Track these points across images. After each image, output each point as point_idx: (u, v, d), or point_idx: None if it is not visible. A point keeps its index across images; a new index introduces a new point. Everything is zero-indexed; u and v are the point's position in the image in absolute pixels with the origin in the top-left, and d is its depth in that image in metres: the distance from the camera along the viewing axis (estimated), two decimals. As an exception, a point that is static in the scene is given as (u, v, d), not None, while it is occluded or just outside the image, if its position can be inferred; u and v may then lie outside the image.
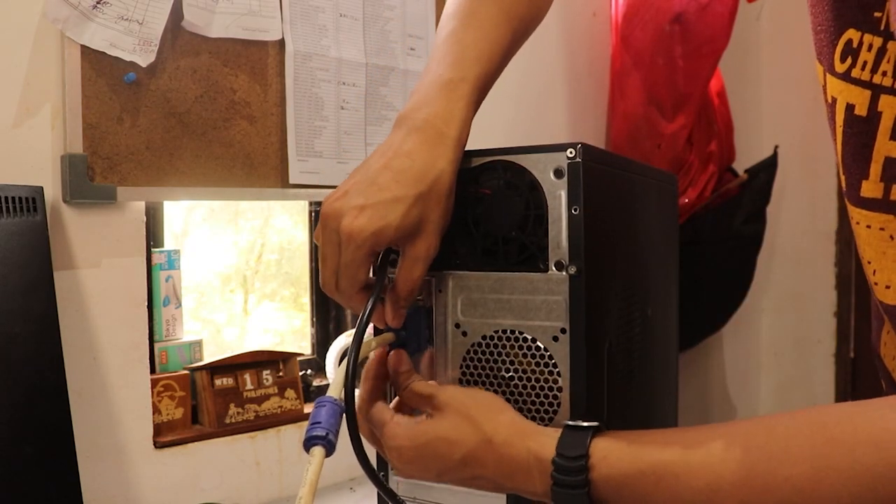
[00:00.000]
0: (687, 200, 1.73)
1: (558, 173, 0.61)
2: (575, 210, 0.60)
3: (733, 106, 1.84)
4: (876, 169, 0.56)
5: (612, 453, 0.53)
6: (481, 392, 0.61)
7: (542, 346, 0.62)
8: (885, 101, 0.54)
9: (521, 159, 0.63)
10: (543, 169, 0.62)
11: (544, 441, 0.56)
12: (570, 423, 0.56)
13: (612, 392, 0.66)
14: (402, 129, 0.63)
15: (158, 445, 1.02)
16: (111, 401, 0.97)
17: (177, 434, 1.05)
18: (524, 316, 0.63)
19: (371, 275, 0.63)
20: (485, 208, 0.64)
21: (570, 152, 0.61)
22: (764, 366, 2.23)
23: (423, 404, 0.61)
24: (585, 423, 0.55)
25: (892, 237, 0.56)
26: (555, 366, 0.62)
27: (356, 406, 0.59)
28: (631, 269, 0.73)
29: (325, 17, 1.15)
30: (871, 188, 0.56)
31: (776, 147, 1.87)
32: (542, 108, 1.58)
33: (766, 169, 1.86)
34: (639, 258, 0.76)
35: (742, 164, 1.87)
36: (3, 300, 0.81)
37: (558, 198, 0.61)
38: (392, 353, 0.64)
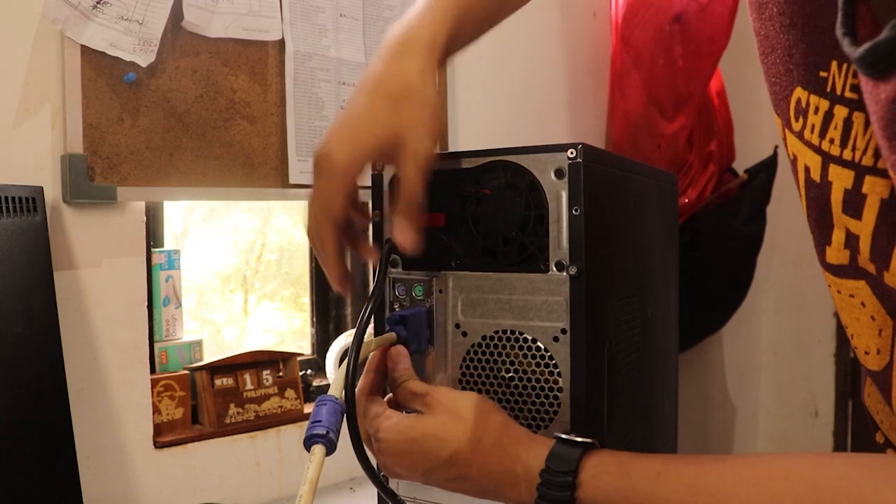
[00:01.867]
0: (687, 200, 1.73)
1: (559, 173, 0.61)
2: (576, 210, 0.60)
3: (733, 106, 1.84)
4: (839, 235, 0.52)
5: (601, 474, 0.52)
6: (475, 394, 0.60)
7: (542, 347, 0.62)
8: (833, 172, 0.49)
9: (522, 159, 0.63)
10: (544, 169, 0.62)
11: (535, 450, 0.55)
12: (564, 436, 0.55)
13: (613, 392, 0.66)
14: (378, 53, 0.64)
15: (158, 445, 1.02)
16: (111, 401, 0.97)
17: (177, 434, 1.05)
18: (524, 316, 0.63)
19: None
20: (485, 208, 0.64)
21: (571, 152, 0.61)
22: (764, 366, 2.23)
23: (416, 402, 0.60)
24: (579, 439, 0.55)
25: (862, 304, 0.53)
26: (555, 366, 0.62)
27: (356, 393, 0.59)
28: (631, 269, 0.73)
29: (325, 17, 1.15)
30: (835, 254, 0.53)
31: (776, 147, 1.86)
32: (542, 108, 1.58)
33: (766, 169, 1.86)
34: (639, 258, 0.76)
35: (742, 164, 1.87)
36: (3, 300, 0.81)
37: (559, 198, 0.61)
38: (392, 349, 0.64)
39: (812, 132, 0.50)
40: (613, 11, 1.69)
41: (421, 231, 0.62)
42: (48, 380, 0.84)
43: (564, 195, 0.61)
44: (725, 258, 1.87)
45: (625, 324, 0.70)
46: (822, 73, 0.48)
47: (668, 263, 0.86)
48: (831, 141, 0.49)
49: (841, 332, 2.21)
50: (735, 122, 1.84)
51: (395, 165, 0.61)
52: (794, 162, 0.54)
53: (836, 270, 0.54)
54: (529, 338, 0.63)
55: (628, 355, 0.71)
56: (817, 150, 0.50)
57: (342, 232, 0.61)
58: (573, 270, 0.61)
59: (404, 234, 0.61)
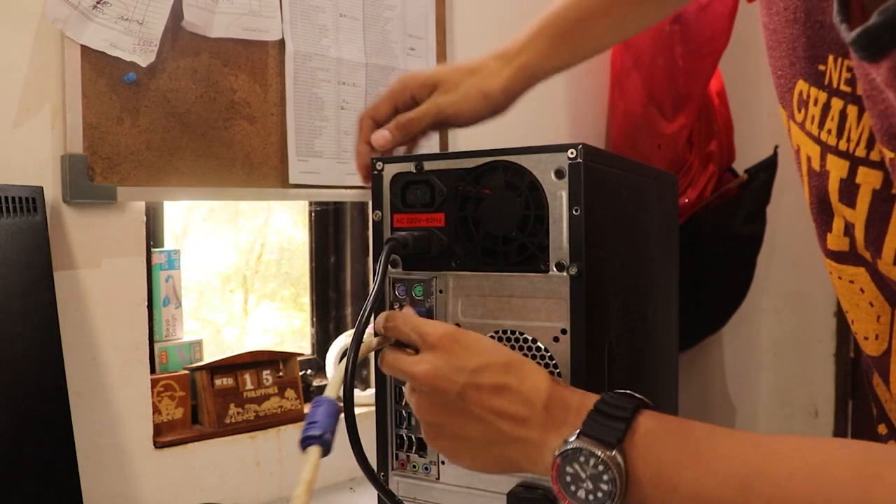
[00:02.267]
0: (687, 200, 1.73)
1: (559, 174, 0.61)
2: (576, 210, 0.60)
3: (733, 106, 1.84)
4: (839, 224, 0.54)
5: (657, 416, 0.50)
6: None
7: (542, 347, 0.62)
8: (831, 161, 0.52)
9: (522, 159, 0.63)
10: (544, 169, 0.62)
11: (587, 393, 0.53)
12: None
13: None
14: None
15: (158, 445, 1.02)
16: (111, 401, 0.97)
17: (177, 434, 1.05)
18: (525, 316, 0.63)
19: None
20: (485, 208, 0.64)
21: (571, 153, 0.61)
22: (764, 366, 2.23)
23: (429, 334, 0.56)
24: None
25: (861, 290, 0.55)
26: (555, 366, 0.62)
27: (384, 314, 0.59)
28: (631, 269, 0.73)
29: (325, 17, 1.15)
30: (835, 241, 0.55)
31: (776, 147, 1.86)
32: (542, 108, 1.58)
33: (766, 169, 1.86)
34: (639, 258, 0.76)
35: (742, 164, 1.87)
36: (3, 300, 0.81)
37: (559, 198, 0.61)
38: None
39: (812, 123, 0.52)
40: (613, 11, 1.69)
41: (390, 142, 0.76)
42: (48, 380, 0.84)
43: (564, 195, 0.61)
44: (725, 258, 1.87)
45: (625, 324, 0.70)
46: (821, 67, 0.51)
47: (668, 263, 0.86)
48: (829, 132, 0.51)
49: (841, 332, 2.21)
50: (735, 122, 1.84)
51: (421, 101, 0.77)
52: (797, 152, 0.56)
53: (837, 257, 0.55)
54: (529, 338, 0.63)
55: (628, 355, 0.71)
56: (817, 140, 0.52)
57: (376, 126, 0.77)
58: (573, 270, 0.61)
59: (379, 137, 0.76)
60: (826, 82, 0.51)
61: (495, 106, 0.78)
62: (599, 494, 0.48)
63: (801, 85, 0.53)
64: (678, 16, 1.62)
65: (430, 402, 0.55)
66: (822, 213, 0.55)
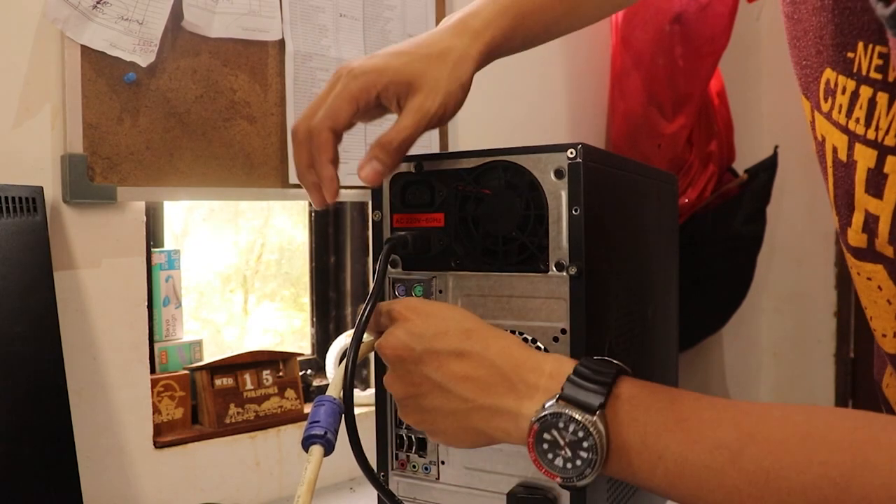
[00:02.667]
0: (687, 200, 1.73)
1: (559, 173, 0.61)
2: (575, 210, 0.60)
3: (733, 106, 1.84)
4: (858, 218, 0.53)
5: (639, 382, 0.49)
6: None
7: (542, 347, 0.62)
8: (858, 151, 0.51)
9: (522, 159, 0.63)
10: (544, 169, 0.62)
11: (562, 358, 0.51)
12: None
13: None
14: None
15: (158, 445, 1.02)
16: (111, 401, 0.97)
17: (177, 434, 1.05)
18: (524, 316, 0.63)
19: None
20: (485, 208, 0.64)
21: (571, 152, 0.61)
22: (764, 366, 2.23)
23: (404, 310, 0.57)
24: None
25: (879, 287, 0.54)
26: (555, 366, 0.62)
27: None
28: (631, 269, 0.73)
29: (325, 17, 1.15)
30: (855, 237, 0.54)
31: (776, 147, 1.87)
32: (542, 108, 1.58)
33: (766, 169, 1.86)
34: (639, 258, 0.76)
35: (742, 164, 1.87)
36: (3, 300, 0.81)
37: (559, 198, 0.61)
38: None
39: (839, 112, 0.52)
40: (613, 11, 1.69)
41: (386, 173, 0.62)
42: (48, 380, 0.84)
43: (564, 195, 0.61)
44: (725, 258, 1.87)
45: (625, 324, 0.70)
46: (850, 54, 0.50)
47: (668, 263, 0.86)
48: (857, 120, 0.50)
49: (841, 332, 2.21)
50: (735, 122, 1.84)
51: (398, 108, 0.62)
52: (822, 143, 0.55)
53: (856, 252, 0.55)
54: (529, 338, 0.63)
55: (628, 355, 0.71)
56: (844, 129, 0.52)
57: (337, 142, 0.61)
58: (573, 270, 0.61)
59: (371, 172, 0.61)
60: (855, 70, 0.50)
61: (467, 94, 0.66)
62: (578, 462, 0.47)
63: (829, 73, 0.52)
64: (678, 16, 1.62)
65: (396, 375, 0.55)
66: (845, 207, 0.54)
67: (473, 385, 0.51)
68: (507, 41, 0.67)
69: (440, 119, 0.63)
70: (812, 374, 2.25)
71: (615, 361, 0.50)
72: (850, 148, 0.51)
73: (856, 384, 2.21)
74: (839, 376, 2.23)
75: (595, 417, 0.46)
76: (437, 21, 1.32)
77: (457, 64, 0.63)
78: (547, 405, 0.48)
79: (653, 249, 0.81)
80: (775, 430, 0.43)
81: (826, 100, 0.53)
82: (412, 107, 0.60)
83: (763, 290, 2.15)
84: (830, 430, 0.42)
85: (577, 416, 0.46)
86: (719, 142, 1.78)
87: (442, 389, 0.52)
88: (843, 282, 2.22)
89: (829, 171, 0.55)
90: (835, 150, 0.53)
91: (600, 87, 1.71)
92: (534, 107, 1.55)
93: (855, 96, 0.50)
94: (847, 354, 2.20)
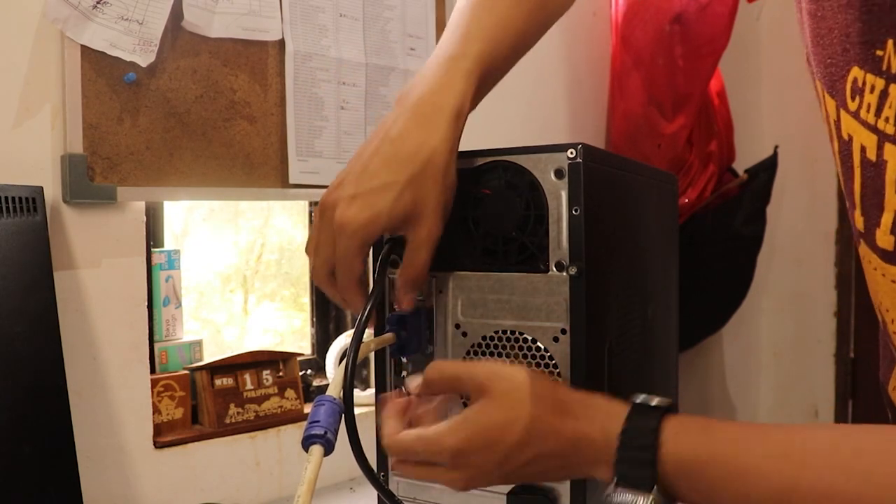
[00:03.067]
0: (687, 200, 1.73)
1: (559, 173, 0.61)
2: (576, 210, 0.60)
3: (733, 106, 1.84)
4: (887, 219, 0.52)
5: (683, 435, 0.50)
6: (517, 366, 0.58)
7: (542, 347, 0.62)
8: (889, 150, 0.50)
9: (522, 159, 0.63)
10: (544, 169, 0.62)
11: (610, 411, 0.52)
12: (640, 399, 0.52)
13: (613, 392, 0.66)
14: (396, 109, 0.62)
15: (158, 445, 1.02)
16: (111, 401, 0.97)
17: (177, 434, 1.05)
18: (524, 316, 0.63)
19: (371, 274, 0.63)
20: (485, 208, 0.64)
21: (571, 152, 0.61)
22: (764, 366, 2.23)
23: (457, 385, 0.56)
24: (657, 400, 0.52)
25: None
26: (555, 366, 0.62)
27: (385, 444, 0.55)
28: (631, 269, 0.73)
29: (325, 17, 1.15)
30: (883, 238, 0.53)
31: (776, 147, 1.87)
32: (542, 108, 1.58)
33: (766, 169, 1.86)
34: (639, 258, 0.76)
35: (742, 164, 1.87)
36: (3, 300, 0.81)
37: (559, 198, 0.61)
38: (408, 380, 0.60)
39: (868, 111, 0.51)
40: (613, 11, 1.69)
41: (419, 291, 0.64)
42: (48, 380, 0.84)
43: (564, 195, 0.61)
44: (725, 258, 1.87)
45: (625, 324, 0.70)
46: (879, 52, 0.49)
47: (668, 263, 0.86)
48: (886, 120, 0.50)
49: (841, 332, 2.21)
50: (735, 122, 1.84)
51: (405, 236, 0.61)
52: (848, 143, 0.54)
53: (885, 255, 0.54)
54: (529, 338, 0.63)
55: (628, 355, 0.71)
56: (873, 129, 0.51)
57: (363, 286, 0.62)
58: (573, 270, 0.61)
59: (402, 304, 0.63)
60: (884, 68, 0.49)
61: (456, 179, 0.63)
62: None
63: (856, 72, 0.51)
64: (678, 15, 1.62)
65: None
66: (874, 207, 0.53)
67: (552, 473, 0.54)
68: (476, 100, 0.65)
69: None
70: (812, 374, 2.25)
71: (655, 403, 0.51)
72: (880, 148, 0.51)
73: (856, 384, 2.21)
74: (839, 376, 2.23)
75: (653, 491, 0.49)
76: (438, 21, 1.32)
77: (445, 171, 0.60)
78: (608, 494, 0.51)
79: (653, 249, 0.81)
80: (825, 475, 0.45)
81: (853, 98, 0.52)
82: (420, 240, 0.60)
83: (763, 290, 2.15)
84: (877, 468, 0.43)
85: (639, 499, 0.50)
86: (719, 142, 1.78)
87: (530, 476, 0.55)
88: (843, 282, 2.22)
89: (857, 170, 0.54)
90: (863, 150, 0.53)
91: (600, 87, 1.71)
92: (534, 107, 1.55)
93: (884, 95, 0.49)
94: (847, 354, 2.21)
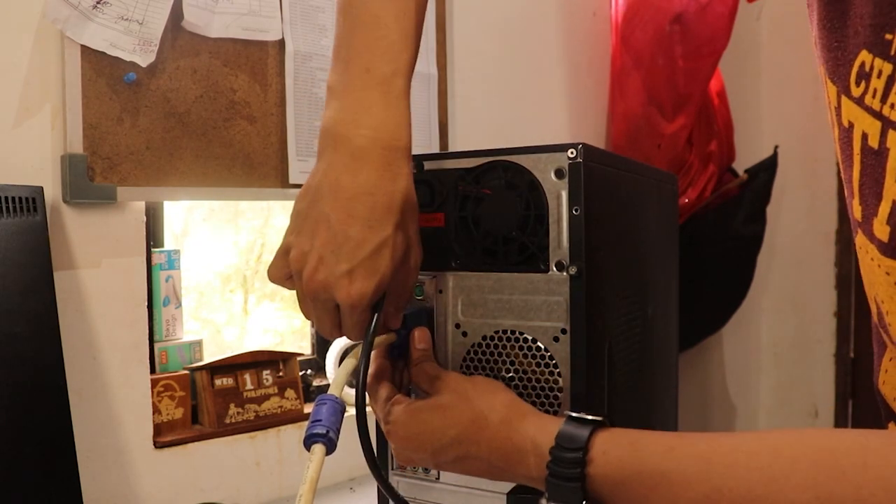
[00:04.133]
0: (687, 200, 1.73)
1: (559, 173, 0.61)
2: (576, 210, 0.60)
3: (733, 106, 1.84)
4: (885, 208, 0.51)
5: (612, 451, 0.52)
6: (482, 376, 0.63)
7: (542, 347, 0.62)
8: (892, 138, 0.49)
9: (522, 159, 0.63)
10: (544, 169, 0.62)
11: (544, 427, 0.55)
12: (574, 413, 0.54)
13: (613, 392, 0.66)
14: (342, 154, 0.57)
15: (158, 445, 1.02)
16: (111, 401, 0.97)
17: (177, 434, 1.05)
18: (524, 316, 0.63)
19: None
20: (485, 208, 0.64)
21: (571, 152, 0.61)
22: (764, 366, 2.23)
23: (427, 384, 0.62)
24: (589, 416, 0.54)
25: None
26: (555, 366, 0.62)
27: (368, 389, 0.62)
28: (631, 269, 0.73)
29: (325, 17, 1.15)
30: (880, 228, 0.52)
31: (776, 147, 1.87)
32: (542, 108, 1.58)
33: (766, 169, 1.86)
34: (639, 258, 0.76)
35: (742, 164, 1.87)
36: (3, 300, 0.81)
37: (559, 198, 0.61)
38: (417, 329, 0.65)
39: (874, 97, 0.50)
40: (613, 11, 1.69)
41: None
42: (48, 380, 0.84)
43: (564, 195, 0.61)
44: (725, 258, 1.87)
45: (625, 324, 0.70)
46: (888, 36, 0.48)
47: (668, 263, 0.86)
48: (892, 106, 0.49)
49: (841, 332, 2.21)
50: (735, 122, 1.84)
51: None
52: (848, 130, 0.54)
53: (882, 247, 0.53)
54: (529, 338, 0.63)
55: (628, 355, 0.71)
56: (877, 115, 0.50)
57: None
58: (573, 270, 0.61)
59: (392, 323, 0.64)
60: (893, 52, 0.48)
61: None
62: None
63: (864, 55, 0.51)
64: (678, 15, 1.62)
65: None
66: (872, 196, 0.52)
67: (480, 472, 0.59)
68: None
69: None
70: (812, 374, 2.25)
71: (589, 417, 0.54)
72: (884, 134, 0.50)
73: (856, 384, 2.21)
74: (839, 376, 2.23)
75: None
76: (437, 21, 1.32)
77: (415, 204, 0.59)
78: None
79: (653, 249, 0.81)
80: (740, 472, 0.46)
81: (858, 84, 0.52)
82: (410, 268, 0.61)
83: (763, 290, 2.15)
84: (795, 466, 0.44)
85: None
86: (719, 142, 1.78)
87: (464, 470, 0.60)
88: (843, 282, 2.22)
89: (856, 158, 0.53)
90: (864, 137, 0.52)
91: (600, 87, 1.71)
92: (534, 107, 1.55)
93: (891, 81, 0.49)
94: (847, 354, 2.21)
